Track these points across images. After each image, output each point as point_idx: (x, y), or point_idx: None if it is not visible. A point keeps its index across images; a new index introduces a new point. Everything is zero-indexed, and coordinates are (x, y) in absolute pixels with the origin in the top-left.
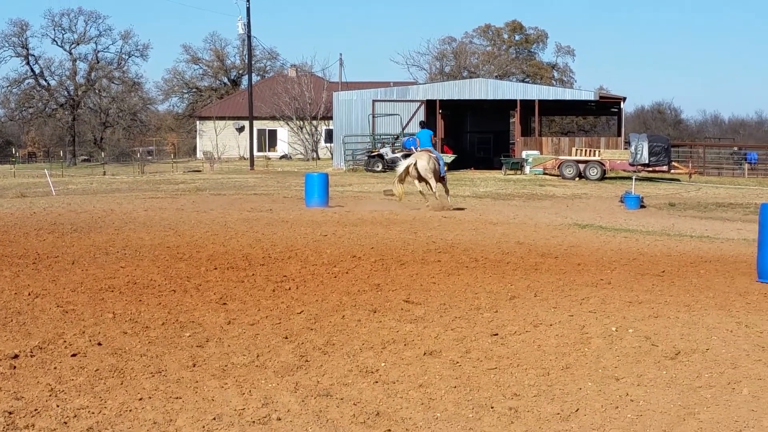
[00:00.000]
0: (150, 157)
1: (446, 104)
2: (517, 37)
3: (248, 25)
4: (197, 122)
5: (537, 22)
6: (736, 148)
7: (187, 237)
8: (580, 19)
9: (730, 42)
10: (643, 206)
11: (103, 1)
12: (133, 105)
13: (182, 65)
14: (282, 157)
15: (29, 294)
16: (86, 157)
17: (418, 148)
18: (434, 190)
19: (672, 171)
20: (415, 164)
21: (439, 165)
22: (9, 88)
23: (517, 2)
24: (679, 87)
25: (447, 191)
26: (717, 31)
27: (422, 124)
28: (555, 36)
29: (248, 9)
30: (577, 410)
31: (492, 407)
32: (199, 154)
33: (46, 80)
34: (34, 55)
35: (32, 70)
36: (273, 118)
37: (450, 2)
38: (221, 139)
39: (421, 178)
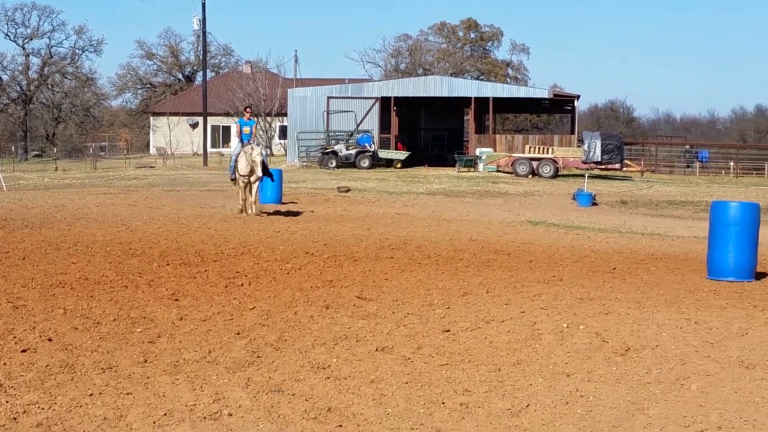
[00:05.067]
0: (103, 153)
1: (401, 101)
2: (472, 35)
3: (203, 21)
4: (150, 118)
5: (492, 20)
6: (687, 147)
7: (139, 233)
8: (534, 17)
9: (681, 41)
10: (595, 204)
11: None
12: (86, 100)
13: (136, 61)
14: None
15: None
16: (38, 153)
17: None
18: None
19: (624, 169)
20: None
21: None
22: None
23: (473, 0)
24: (632, 85)
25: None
26: (668, 30)
27: (247, 109)
28: (510, 34)
29: (203, 5)
30: (527, 406)
31: (443, 403)
32: (153, 150)
33: None
34: None
35: None
36: (227, 114)
37: (406, 0)
38: (175, 135)
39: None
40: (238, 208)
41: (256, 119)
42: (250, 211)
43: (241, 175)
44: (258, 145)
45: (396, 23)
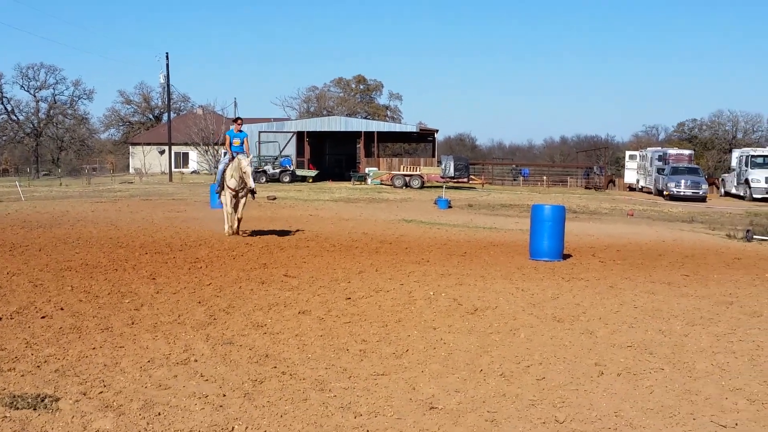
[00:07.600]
0: (94, 173)
1: (311, 134)
2: (361, 87)
3: (167, 77)
4: (130, 147)
5: (376, 75)
6: (514, 166)
7: (124, 230)
8: (406, 73)
9: (508, 89)
10: (450, 207)
11: (59, 56)
12: (81, 134)
13: (118, 105)
14: (192, 172)
15: (7, 273)
16: (46, 172)
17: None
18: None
19: (470, 182)
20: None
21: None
22: None
23: (362, 61)
24: (474, 121)
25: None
26: (499, 82)
27: (238, 121)
28: (388, 86)
29: (167, 65)
30: (407, 351)
31: (347, 349)
32: (131, 170)
33: (16, 116)
34: (7, 97)
35: (5, 108)
36: (186, 144)
37: (314, 61)
38: (148, 159)
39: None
40: (226, 230)
41: (247, 133)
42: (233, 225)
43: (230, 189)
44: (246, 156)
45: (306, 78)
